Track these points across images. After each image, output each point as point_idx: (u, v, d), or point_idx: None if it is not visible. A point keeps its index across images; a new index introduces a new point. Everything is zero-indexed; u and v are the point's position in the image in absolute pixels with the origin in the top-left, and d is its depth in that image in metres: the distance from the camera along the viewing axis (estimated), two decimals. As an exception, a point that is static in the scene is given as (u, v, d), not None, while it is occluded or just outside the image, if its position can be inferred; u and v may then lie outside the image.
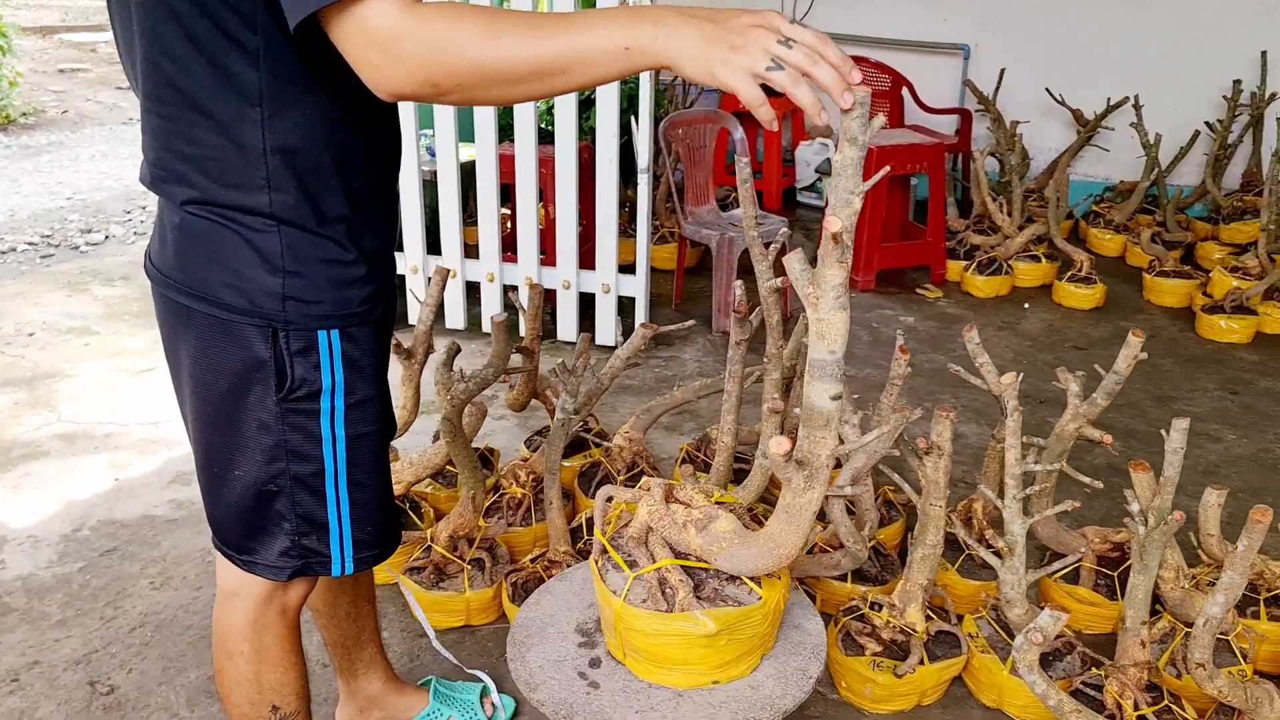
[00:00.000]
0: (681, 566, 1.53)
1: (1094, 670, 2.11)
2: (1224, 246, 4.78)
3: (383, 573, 2.60)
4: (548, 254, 4.06)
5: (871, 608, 2.29)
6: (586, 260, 3.98)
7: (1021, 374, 2.12)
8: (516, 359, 2.74)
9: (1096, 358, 3.98)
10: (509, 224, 4.39)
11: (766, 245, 2.39)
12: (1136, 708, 1.99)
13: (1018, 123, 5.10)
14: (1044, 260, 4.65)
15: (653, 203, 4.02)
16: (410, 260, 3.93)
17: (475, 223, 4.07)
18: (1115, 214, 5.12)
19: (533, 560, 2.45)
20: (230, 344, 1.39)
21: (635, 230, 3.98)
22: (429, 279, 2.87)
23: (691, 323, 2.10)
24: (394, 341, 2.66)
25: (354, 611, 1.99)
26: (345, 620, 1.98)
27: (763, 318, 2.40)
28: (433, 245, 4.05)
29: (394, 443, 2.92)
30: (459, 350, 2.58)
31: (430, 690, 2.17)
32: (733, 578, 1.56)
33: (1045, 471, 2.07)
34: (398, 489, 2.63)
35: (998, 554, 2.13)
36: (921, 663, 2.17)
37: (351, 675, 2.07)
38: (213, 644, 1.66)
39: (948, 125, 5.70)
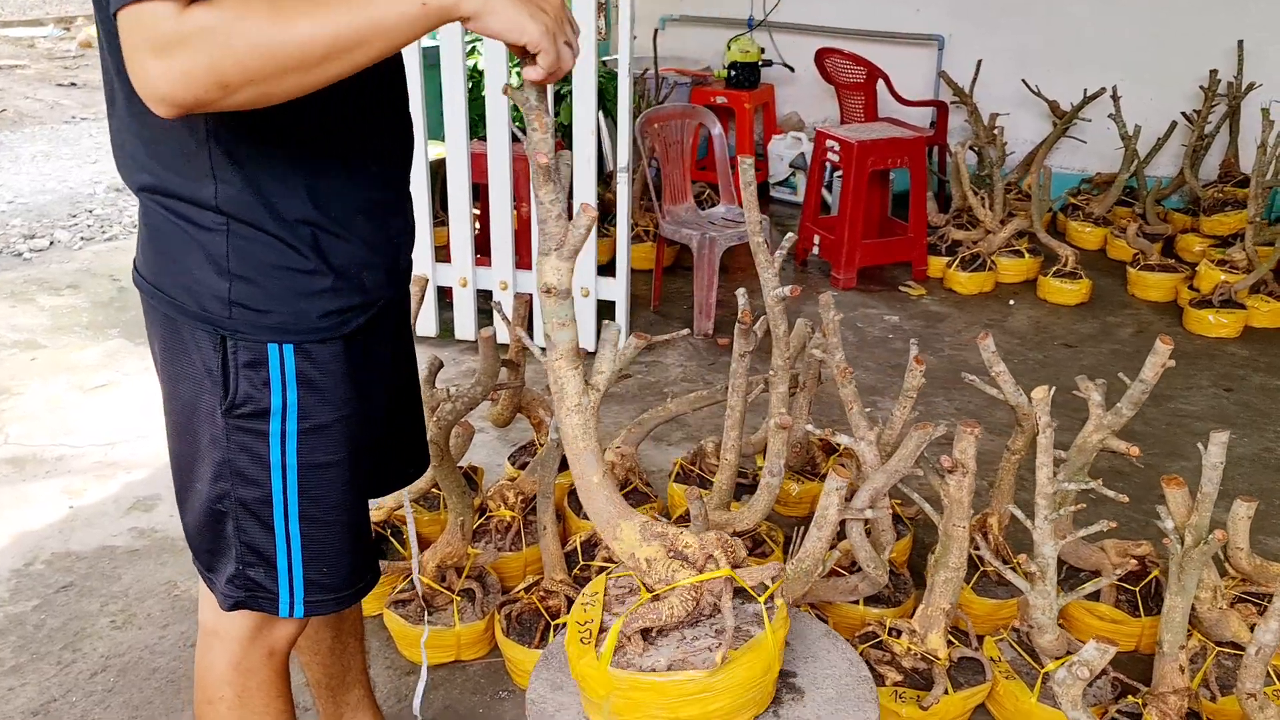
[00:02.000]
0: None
1: (1130, 698, 2.01)
2: (1205, 238, 4.73)
3: (369, 603, 2.43)
4: (522, 257, 3.90)
5: (889, 633, 2.17)
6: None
7: (1051, 388, 2.00)
8: (502, 374, 2.58)
9: (1086, 355, 3.91)
10: (479, 225, 4.22)
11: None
12: (1178, 738, 1.89)
13: (997, 115, 5.02)
14: (1027, 255, 4.57)
15: (632, 202, 3.87)
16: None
17: (445, 224, 3.90)
18: (1094, 206, 5.05)
19: (527, 590, 2.29)
20: (185, 347, 1.30)
21: (610, 230, 3.82)
22: None
23: (686, 332, 1.96)
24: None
25: (338, 648, 1.83)
26: (329, 658, 1.83)
27: (768, 327, 2.26)
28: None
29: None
30: (441, 366, 2.42)
31: (420, 735, 2.01)
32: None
33: (1076, 490, 1.95)
34: (378, 515, 2.46)
35: (1026, 576, 2.01)
36: (945, 692, 2.05)
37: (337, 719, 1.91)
38: (195, 687, 1.51)
39: (923, 118, 5.61)
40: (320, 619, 1.78)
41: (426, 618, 2.25)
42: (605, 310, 3.89)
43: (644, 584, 1.41)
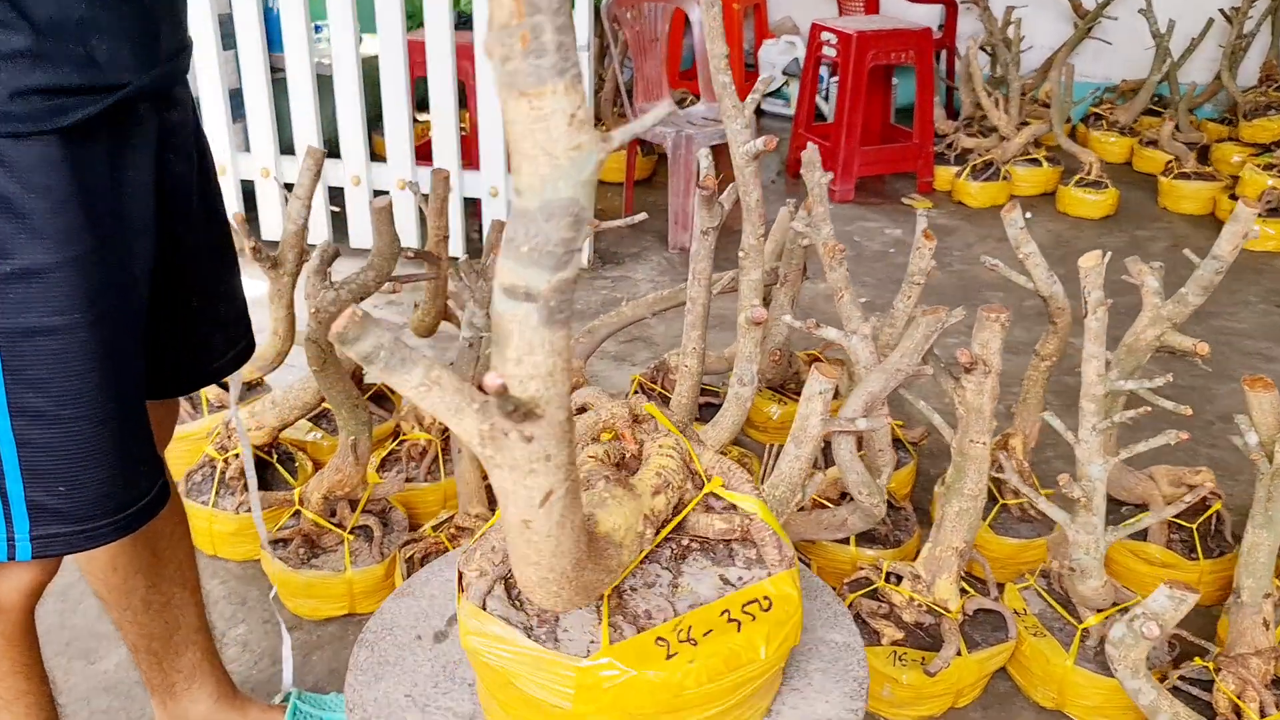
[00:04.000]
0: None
1: (1196, 661, 1.56)
2: (1244, 147, 4.23)
3: (248, 545, 1.99)
4: (470, 160, 3.41)
5: (887, 580, 1.72)
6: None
7: (1106, 253, 1.53)
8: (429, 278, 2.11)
9: (1116, 272, 3.43)
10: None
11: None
12: (1264, 713, 1.44)
13: (1012, 8, 4.49)
14: (1045, 164, 4.08)
15: (595, 99, 3.39)
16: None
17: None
18: (1119, 115, 4.54)
19: (435, 527, 1.84)
20: None
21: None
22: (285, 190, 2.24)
23: (643, 215, 1.54)
24: (253, 244, 2.04)
25: (156, 600, 1.39)
26: (145, 614, 1.39)
27: (736, 197, 1.79)
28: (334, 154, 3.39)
29: (267, 379, 2.30)
30: (337, 254, 1.94)
31: (289, 708, 1.57)
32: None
33: (1141, 390, 1.49)
34: (259, 436, 2.01)
35: (1065, 506, 1.56)
36: (958, 653, 1.61)
37: (168, 693, 1.48)
38: None
39: (930, 19, 5.07)
40: (127, 563, 1.33)
41: (274, 556, 1.80)
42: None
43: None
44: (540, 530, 0.73)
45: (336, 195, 3.50)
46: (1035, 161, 4.08)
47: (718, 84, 1.70)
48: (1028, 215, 3.93)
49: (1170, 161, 3.99)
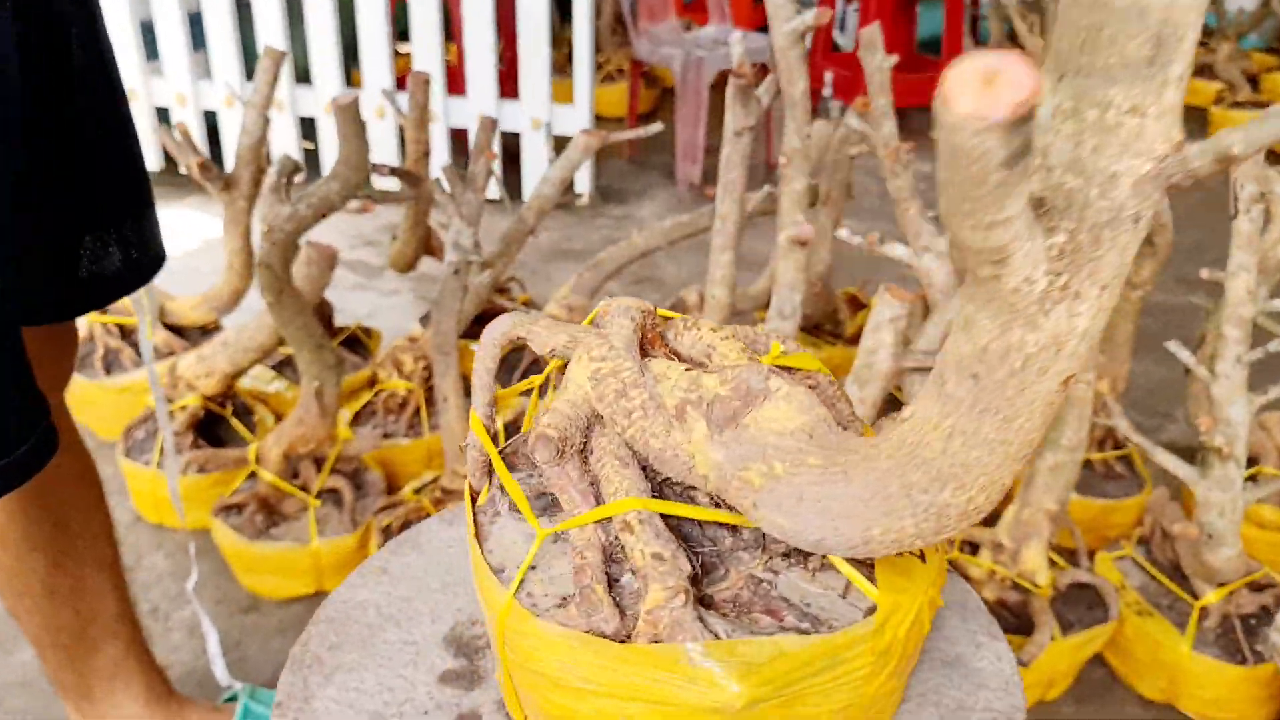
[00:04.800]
0: (660, 517, 0.60)
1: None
2: (1295, 77, 3.92)
3: (198, 511, 1.69)
4: (456, 86, 3.08)
5: (961, 550, 1.43)
6: (510, 90, 3.02)
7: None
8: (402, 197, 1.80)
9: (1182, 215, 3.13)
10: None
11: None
12: None
13: (1046, -75, 4.14)
14: (1085, 95, 3.76)
15: (594, 26, 3.06)
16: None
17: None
18: (1158, 45, 4.22)
19: (417, 490, 1.55)
20: None
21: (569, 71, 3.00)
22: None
23: (658, 126, 1.24)
24: (199, 160, 1.73)
25: (66, 584, 1.11)
26: (51, 601, 1.11)
27: (777, 89, 1.48)
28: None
29: (223, 322, 1.99)
30: (298, 168, 1.64)
31: (239, 709, 1.29)
32: (798, 555, 0.66)
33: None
34: (209, 384, 1.70)
35: (1200, 457, 1.27)
36: (1051, 638, 1.33)
37: (84, 696, 1.19)
38: None
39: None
40: (16, 533, 1.05)
41: (213, 521, 1.51)
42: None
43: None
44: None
45: (308, 130, 3.18)
46: (1073, 92, 3.76)
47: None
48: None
49: (1221, 91, 3.67)
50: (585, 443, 0.62)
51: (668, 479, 0.62)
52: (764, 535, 0.62)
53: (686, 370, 0.62)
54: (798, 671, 0.55)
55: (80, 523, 1.12)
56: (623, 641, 0.55)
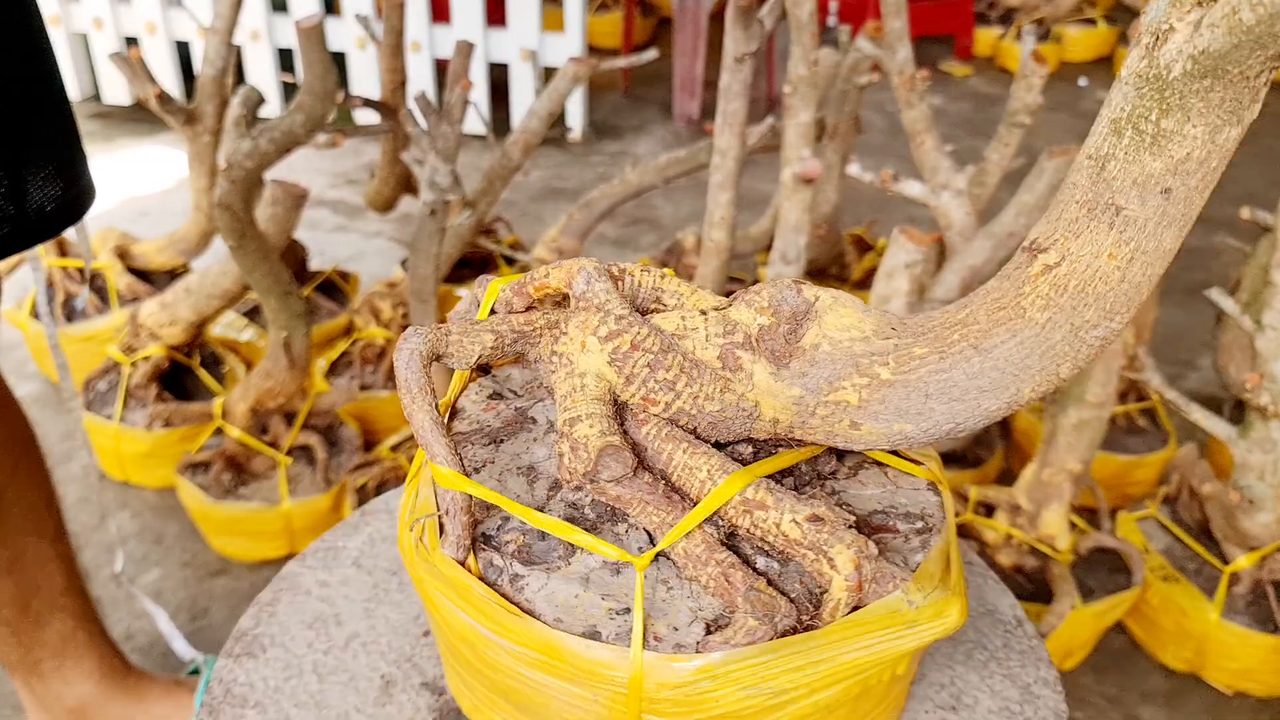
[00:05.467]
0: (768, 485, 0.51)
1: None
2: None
3: (164, 469, 1.60)
4: (440, 13, 2.93)
5: (976, 511, 1.34)
6: (496, 18, 2.86)
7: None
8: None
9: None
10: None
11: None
12: None
13: None
14: (1102, 24, 3.60)
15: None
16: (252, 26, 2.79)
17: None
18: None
19: (394, 447, 1.45)
20: None
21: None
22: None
23: (654, 53, 1.13)
24: (157, 91, 1.61)
25: (6, 558, 1.02)
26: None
27: (782, 11, 1.35)
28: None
29: (192, 265, 1.88)
30: (262, 100, 1.52)
31: (201, 681, 1.20)
32: (830, 471, 0.58)
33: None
34: (173, 333, 1.59)
35: (1243, 413, 1.17)
36: (1072, 607, 1.24)
37: (33, 672, 1.11)
38: None
39: None
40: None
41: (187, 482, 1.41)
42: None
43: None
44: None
45: (287, 61, 3.03)
46: (1090, 21, 3.60)
47: None
48: (1081, 82, 3.48)
49: (1243, 20, 3.51)
50: (618, 422, 0.53)
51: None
52: (799, 467, 0.57)
53: (702, 314, 0.54)
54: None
55: (16, 489, 1.02)
56: (813, 628, 0.49)
